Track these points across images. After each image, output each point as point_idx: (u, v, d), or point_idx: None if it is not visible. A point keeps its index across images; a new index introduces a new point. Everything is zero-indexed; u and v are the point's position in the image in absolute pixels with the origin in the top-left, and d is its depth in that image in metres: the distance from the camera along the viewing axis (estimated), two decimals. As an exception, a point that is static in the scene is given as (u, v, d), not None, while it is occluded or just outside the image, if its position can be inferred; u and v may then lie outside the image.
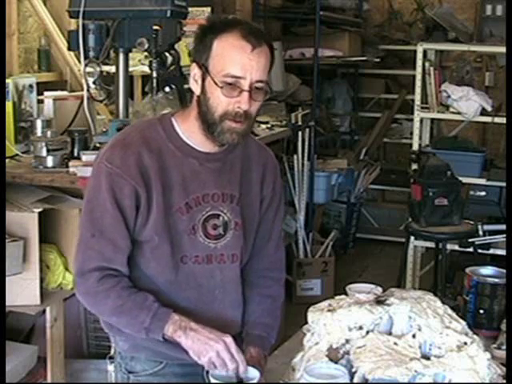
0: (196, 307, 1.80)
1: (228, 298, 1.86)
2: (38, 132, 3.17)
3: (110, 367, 1.98)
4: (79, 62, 3.14)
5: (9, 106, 3.17)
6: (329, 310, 1.73)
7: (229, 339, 1.67)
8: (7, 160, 3.03)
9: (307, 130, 4.92)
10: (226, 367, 1.65)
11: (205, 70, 1.70)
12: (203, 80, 1.72)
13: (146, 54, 3.11)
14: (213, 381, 1.59)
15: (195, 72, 1.73)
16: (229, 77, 1.67)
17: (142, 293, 1.75)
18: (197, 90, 1.74)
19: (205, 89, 1.71)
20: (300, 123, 4.81)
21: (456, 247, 4.31)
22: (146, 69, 3.24)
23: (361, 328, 1.67)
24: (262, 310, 1.93)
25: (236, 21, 1.75)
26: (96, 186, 1.75)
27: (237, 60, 1.67)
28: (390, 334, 1.68)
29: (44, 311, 2.83)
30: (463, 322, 1.71)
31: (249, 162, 1.88)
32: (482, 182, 4.71)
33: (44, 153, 2.95)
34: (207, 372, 1.65)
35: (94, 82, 3.00)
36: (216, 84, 1.68)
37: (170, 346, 1.78)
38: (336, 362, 1.62)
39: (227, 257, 1.83)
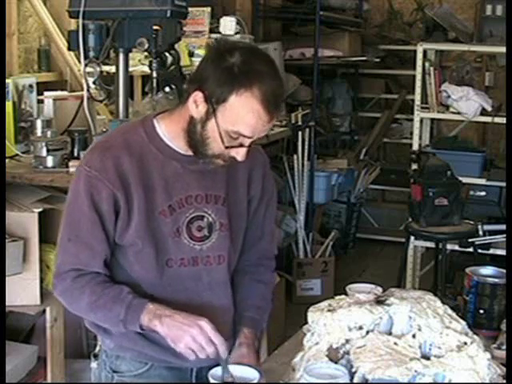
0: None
1: (217, 302, 1.84)
2: (38, 132, 3.17)
3: (93, 364, 1.96)
4: (79, 61, 3.14)
5: (9, 106, 3.17)
6: (329, 310, 1.73)
7: (203, 322, 1.65)
8: (7, 160, 3.03)
9: (307, 130, 4.93)
10: (205, 351, 1.64)
11: (212, 112, 1.65)
12: (207, 116, 1.66)
13: (146, 53, 3.11)
14: (212, 381, 1.59)
15: (198, 99, 1.66)
16: (237, 134, 1.66)
17: (117, 286, 1.74)
18: (195, 114, 1.68)
19: (205, 126, 1.67)
20: (300, 123, 4.81)
21: (456, 247, 4.32)
22: (146, 69, 3.24)
23: (361, 328, 1.67)
24: (255, 294, 1.92)
25: (257, 72, 1.63)
26: (75, 190, 1.74)
27: (251, 124, 1.64)
28: (390, 334, 1.68)
29: (44, 311, 2.83)
30: (463, 322, 1.71)
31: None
32: (482, 182, 4.71)
33: (44, 153, 2.95)
34: (206, 372, 1.64)
35: (94, 82, 3.00)
36: (220, 134, 1.65)
37: (155, 348, 1.78)
38: (336, 362, 1.62)
39: (213, 258, 1.81)
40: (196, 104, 1.67)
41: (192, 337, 1.64)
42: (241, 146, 1.68)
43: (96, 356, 1.95)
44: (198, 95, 1.66)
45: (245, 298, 1.90)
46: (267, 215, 1.93)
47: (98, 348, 1.94)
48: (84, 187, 1.71)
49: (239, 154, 1.69)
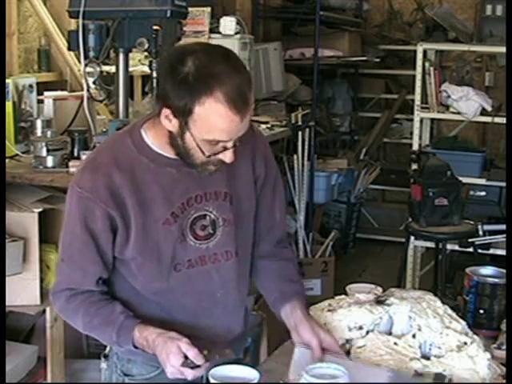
0: (195, 315, 1.78)
1: (230, 299, 1.82)
2: (38, 132, 3.17)
3: (103, 365, 1.96)
4: (79, 61, 3.15)
5: (9, 106, 3.17)
6: (329, 310, 1.73)
7: (174, 360, 1.61)
8: (7, 160, 3.03)
9: (307, 130, 4.92)
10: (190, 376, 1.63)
11: (184, 125, 1.60)
12: (182, 130, 1.62)
13: (146, 53, 3.11)
14: (212, 381, 1.59)
15: (168, 115, 1.61)
16: (215, 141, 1.61)
17: (110, 305, 1.74)
18: (171, 128, 1.64)
19: (184, 139, 1.63)
20: (300, 123, 4.81)
21: (456, 247, 4.31)
22: (146, 69, 3.25)
23: (361, 328, 1.67)
24: (286, 271, 1.89)
25: (213, 75, 1.54)
26: (68, 211, 1.74)
27: (224, 129, 1.58)
28: (390, 334, 1.68)
29: (44, 311, 2.83)
30: (463, 322, 1.71)
31: None
32: (482, 182, 4.71)
33: (44, 153, 2.95)
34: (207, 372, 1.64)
35: (94, 82, 3.00)
36: (198, 145, 1.61)
37: None
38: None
39: (221, 255, 1.78)
40: (168, 119, 1.62)
41: (171, 373, 1.62)
42: (225, 149, 1.63)
43: (106, 356, 1.95)
44: (166, 112, 1.61)
45: (278, 275, 1.87)
46: (276, 203, 1.90)
47: (108, 349, 1.94)
48: (77, 209, 1.70)
49: (226, 157, 1.64)
